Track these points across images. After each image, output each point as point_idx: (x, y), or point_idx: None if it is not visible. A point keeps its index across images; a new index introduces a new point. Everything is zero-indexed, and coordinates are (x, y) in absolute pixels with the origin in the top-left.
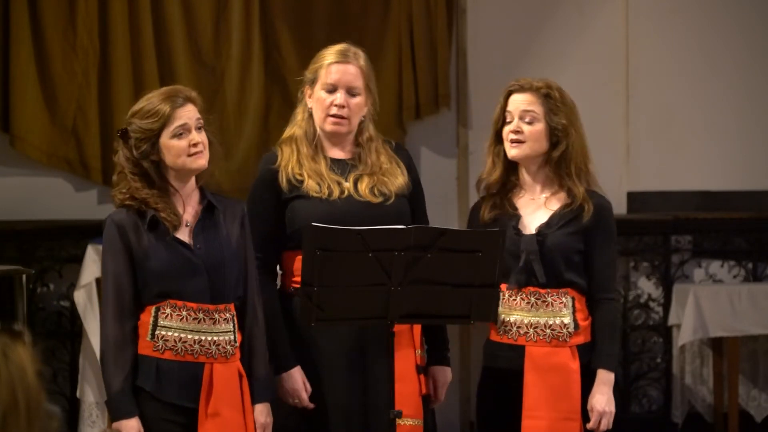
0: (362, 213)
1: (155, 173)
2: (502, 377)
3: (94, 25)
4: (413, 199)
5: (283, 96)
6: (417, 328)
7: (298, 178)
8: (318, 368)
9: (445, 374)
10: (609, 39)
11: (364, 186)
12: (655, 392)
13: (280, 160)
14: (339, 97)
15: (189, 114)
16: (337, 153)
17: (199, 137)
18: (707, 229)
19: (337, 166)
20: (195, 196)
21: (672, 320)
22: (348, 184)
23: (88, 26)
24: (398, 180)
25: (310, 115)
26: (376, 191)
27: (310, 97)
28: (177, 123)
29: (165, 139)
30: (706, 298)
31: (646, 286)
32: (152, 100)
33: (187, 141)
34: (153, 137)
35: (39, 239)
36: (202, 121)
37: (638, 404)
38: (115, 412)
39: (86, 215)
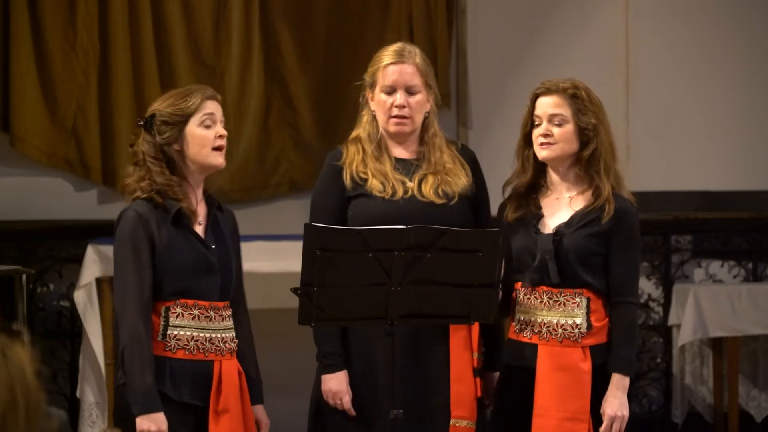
0: (424, 213)
1: (181, 160)
2: (519, 375)
3: (94, 25)
4: (476, 202)
5: (283, 96)
6: (475, 330)
7: (362, 176)
8: (369, 369)
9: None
10: (609, 39)
11: (428, 186)
12: (655, 392)
13: (345, 158)
14: (399, 97)
15: (217, 107)
16: (401, 152)
17: (224, 132)
18: (707, 229)
19: (402, 166)
20: (203, 198)
21: (672, 320)
22: (412, 184)
23: (88, 26)
24: (462, 180)
25: (374, 117)
26: (440, 191)
27: (371, 100)
28: (206, 111)
29: (191, 127)
30: (706, 298)
31: (646, 286)
32: (179, 91)
33: (213, 132)
34: (180, 123)
35: (39, 239)
36: (224, 119)
37: (638, 404)
38: (145, 407)
39: (86, 215)
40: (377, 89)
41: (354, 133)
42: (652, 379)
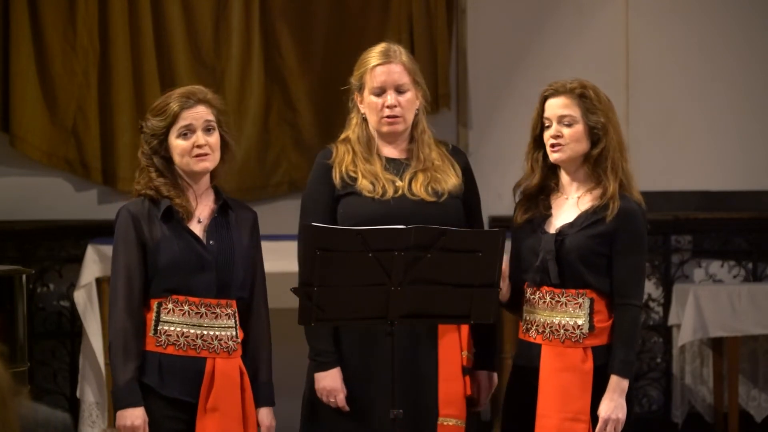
0: (415, 212)
1: (165, 168)
2: (525, 374)
3: (94, 25)
4: (468, 202)
5: (283, 96)
6: (464, 330)
7: (352, 175)
8: (361, 367)
9: (491, 379)
10: (609, 39)
11: (418, 184)
12: (655, 392)
13: (335, 156)
14: (389, 97)
15: (196, 115)
16: (391, 152)
17: (205, 139)
18: (707, 229)
19: (392, 165)
20: (209, 195)
21: (672, 320)
22: (402, 183)
23: (88, 26)
24: (451, 179)
25: (364, 120)
26: (430, 189)
27: (361, 103)
28: (182, 123)
29: (172, 138)
30: (706, 298)
31: (647, 286)
32: (167, 98)
33: (191, 142)
34: (161, 135)
35: (39, 239)
36: (213, 123)
37: (638, 404)
38: (121, 402)
39: (86, 215)
40: (366, 91)
41: (343, 135)
42: (652, 379)
